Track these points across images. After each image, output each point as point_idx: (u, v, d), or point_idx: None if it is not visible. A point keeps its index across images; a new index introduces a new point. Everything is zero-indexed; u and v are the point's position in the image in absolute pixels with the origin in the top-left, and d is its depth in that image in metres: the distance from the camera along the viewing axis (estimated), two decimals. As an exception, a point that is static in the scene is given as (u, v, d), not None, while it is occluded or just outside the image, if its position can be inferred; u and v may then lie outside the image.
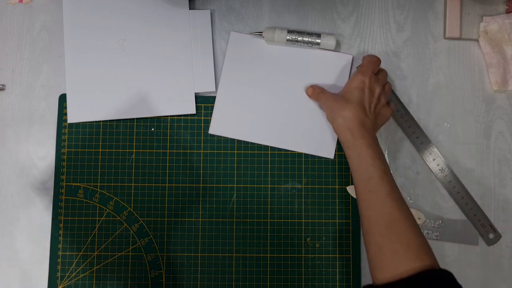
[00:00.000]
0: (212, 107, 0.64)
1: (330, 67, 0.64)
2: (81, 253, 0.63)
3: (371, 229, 0.52)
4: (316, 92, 0.62)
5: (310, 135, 0.63)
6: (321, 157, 0.64)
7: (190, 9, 0.65)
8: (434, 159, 0.64)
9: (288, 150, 0.64)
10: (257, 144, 0.64)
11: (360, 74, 0.58)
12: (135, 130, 0.64)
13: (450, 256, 0.64)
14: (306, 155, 0.64)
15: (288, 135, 0.63)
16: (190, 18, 0.65)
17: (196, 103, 0.64)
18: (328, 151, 0.64)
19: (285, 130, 0.63)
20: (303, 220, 0.63)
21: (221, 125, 0.63)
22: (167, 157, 0.64)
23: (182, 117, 0.64)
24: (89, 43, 0.64)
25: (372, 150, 0.54)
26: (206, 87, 0.64)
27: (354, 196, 0.64)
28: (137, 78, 0.64)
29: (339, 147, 0.64)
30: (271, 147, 0.64)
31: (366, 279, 0.63)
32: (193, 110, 0.64)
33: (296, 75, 0.64)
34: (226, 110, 0.63)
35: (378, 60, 0.60)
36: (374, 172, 0.53)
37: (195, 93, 0.64)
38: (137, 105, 0.63)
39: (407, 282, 0.47)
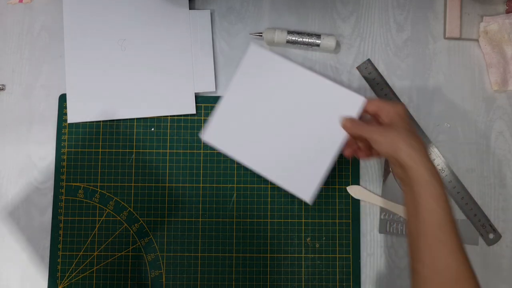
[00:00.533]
0: (212, 107, 0.64)
1: (340, 104, 0.57)
2: (81, 253, 0.63)
3: (429, 281, 0.45)
4: (357, 124, 0.54)
5: (296, 171, 0.57)
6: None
7: (190, 9, 0.65)
8: (434, 159, 0.64)
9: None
10: (243, 164, 0.59)
11: (393, 102, 0.53)
12: (135, 130, 0.64)
13: (450, 256, 0.64)
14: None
15: (275, 164, 0.58)
16: (190, 18, 0.65)
17: (196, 103, 0.64)
18: (307, 194, 0.56)
19: (275, 159, 0.58)
20: (303, 220, 0.63)
21: (215, 134, 0.59)
22: (167, 157, 0.64)
23: (182, 117, 0.64)
24: (89, 43, 0.64)
25: (442, 186, 0.47)
26: (206, 87, 0.64)
27: (355, 196, 0.64)
28: (137, 78, 0.64)
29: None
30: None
31: (366, 279, 0.63)
32: (193, 110, 0.64)
33: (304, 105, 0.58)
34: (225, 122, 0.59)
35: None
36: (447, 220, 0.46)
37: (195, 93, 0.64)
38: (137, 105, 0.63)
39: None
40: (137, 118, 0.64)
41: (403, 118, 0.51)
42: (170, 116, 0.64)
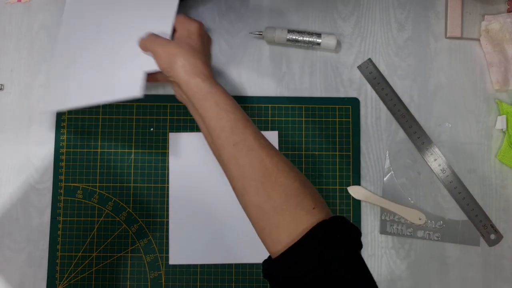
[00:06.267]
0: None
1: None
2: (80, 254, 0.62)
3: (246, 190, 0.44)
4: (148, 39, 0.51)
5: (257, 243, 0.48)
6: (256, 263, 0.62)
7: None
8: (435, 159, 0.64)
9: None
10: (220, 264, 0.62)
11: (191, 19, 0.51)
12: (134, 130, 0.64)
13: (451, 257, 0.63)
14: (307, 155, 0.64)
15: (232, 249, 0.61)
16: None
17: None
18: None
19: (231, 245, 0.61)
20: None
21: (180, 254, 0.62)
22: (167, 157, 0.64)
23: (182, 117, 0.64)
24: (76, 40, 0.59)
25: (229, 97, 0.47)
26: (152, 66, 0.53)
27: (355, 197, 0.63)
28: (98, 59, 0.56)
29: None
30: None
31: (367, 280, 0.63)
32: (138, 93, 0.52)
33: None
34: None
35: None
36: (237, 122, 0.45)
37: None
38: (99, 89, 0.56)
39: (298, 249, 0.41)
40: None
41: (192, 34, 0.50)
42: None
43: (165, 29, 0.52)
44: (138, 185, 0.63)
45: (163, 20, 0.53)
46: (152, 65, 0.52)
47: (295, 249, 0.41)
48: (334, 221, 0.43)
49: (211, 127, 0.46)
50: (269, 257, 0.44)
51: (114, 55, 0.55)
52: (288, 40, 0.64)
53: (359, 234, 0.43)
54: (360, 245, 0.43)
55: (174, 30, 0.52)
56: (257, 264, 0.62)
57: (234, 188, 0.46)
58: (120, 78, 0.54)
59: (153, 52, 0.49)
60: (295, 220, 0.42)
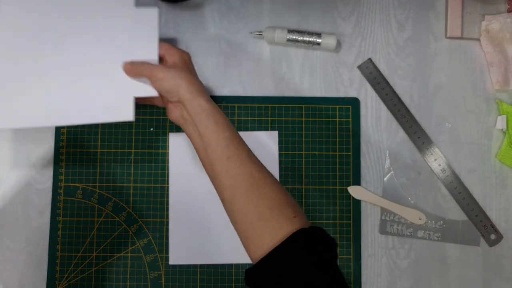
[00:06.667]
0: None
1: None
2: (80, 254, 0.62)
3: (235, 198, 0.48)
4: (137, 65, 0.54)
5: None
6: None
7: (137, 6, 0.57)
8: (435, 159, 0.64)
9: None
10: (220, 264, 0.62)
11: (180, 49, 0.55)
12: (134, 130, 0.64)
13: (452, 257, 0.63)
14: (307, 155, 0.64)
15: (231, 249, 0.62)
16: (135, 16, 0.56)
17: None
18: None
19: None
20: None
21: (180, 254, 0.62)
22: (166, 157, 0.64)
23: (182, 117, 0.64)
24: (23, 42, 0.55)
25: (226, 117, 0.52)
26: (148, 92, 0.55)
27: (355, 197, 0.63)
28: (73, 80, 0.55)
29: None
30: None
31: (367, 280, 0.62)
32: (131, 117, 0.54)
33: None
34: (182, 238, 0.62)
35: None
36: (233, 139, 0.50)
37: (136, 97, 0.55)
38: (72, 110, 0.55)
39: (278, 252, 0.44)
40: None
41: (186, 63, 0.55)
42: (107, 123, 0.61)
43: (151, 57, 0.55)
44: (138, 185, 0.63)
45: (147, 47, 0.55)
46: (144, 91, 0.54)
47: (275, 253, 0.45)
48: (313, 229, 0.46)
49: (208, 142, 0.50)
50: (252, 266, 0.47)
51: (91, 76, 0.55)
52: (288, 40, 0.64)
53: (335, 245, 0.47)
54: (336, 255, 0.46)
55: (161, 58, 0.55)
56: (257, 264, 0.62)
57: (223, 199, 0.50)
58: (106, 101, 0.55)
59: (151, 77, 0.53)
60: (277, 227, 0.46)
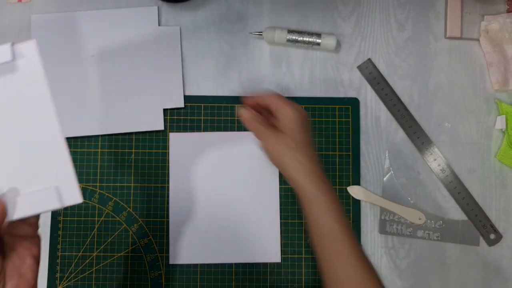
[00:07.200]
0: (209, 107, 0.64)
1: None
2: (80, 253, 0.62)
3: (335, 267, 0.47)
4: (254, 122, 0.52)
5: (256, 242, 0.62)
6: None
7: (161, 25, 0.64)
8: (435, 159, 0.64)
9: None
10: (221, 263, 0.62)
11: (295, 106, 0.50)
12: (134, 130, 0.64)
13: (451, 257, 0.63)
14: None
15: (232, 249, 0.62)
16: (160, 34, 0.64)
17: (191, 102, 0.64)
18: (275, 256, 0.62)
19: (239, 243, 0.62)
20: (303, 221, 0.63)
21: (180, 253, 0.62)
22: (167, 157, 0.64)
23: (182, 117, 0.64)
24: (57, 60, 0.63)
25: (339, 204, 0.48)
26: (175, 104, 0.63)
27: (355, 197, 0.63)
28: (106, 94, 0.63)
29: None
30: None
31: (366, 280, 0.63)
32: (161, 127, 0.63)
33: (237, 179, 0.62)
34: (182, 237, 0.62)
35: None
36: (343, 232, 0.47)
37: (165, 109, 0.63)
38: (105, 122, 0.63)
39: None
40: (103, 135, 0.63)
41: (299, 126, 0.49)
42: (138, 132, 0.63)
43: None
44: (138, 185, 0.63)
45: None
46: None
47: None
48: None
49: (319, 230, 0.47)
50: None
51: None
52: (288, 40, 0.64)
53: None
54: None
55: (272, 114, 0.51)
56: (257, 264, 0.62)
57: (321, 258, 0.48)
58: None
59: (260, 144, 0.50)
60: None
